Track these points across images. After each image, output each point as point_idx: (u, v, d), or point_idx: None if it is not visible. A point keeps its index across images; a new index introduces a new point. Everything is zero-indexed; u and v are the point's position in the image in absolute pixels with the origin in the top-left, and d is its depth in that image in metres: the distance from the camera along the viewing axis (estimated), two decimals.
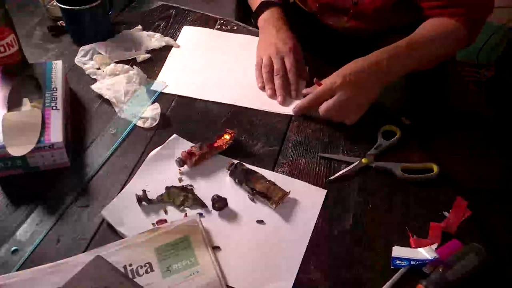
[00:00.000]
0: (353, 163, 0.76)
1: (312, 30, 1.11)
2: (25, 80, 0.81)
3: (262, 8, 0.97)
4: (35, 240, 0.64)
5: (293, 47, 0.89)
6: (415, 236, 0.66)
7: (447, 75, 1.10)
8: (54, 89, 0.78)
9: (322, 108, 0.80)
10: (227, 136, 0.77)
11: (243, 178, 0.71)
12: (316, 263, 0.63)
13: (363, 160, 0.76)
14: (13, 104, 0.75)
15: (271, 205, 0.69)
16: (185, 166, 0.74)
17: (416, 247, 0.64)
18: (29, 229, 0.66)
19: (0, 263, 0.62)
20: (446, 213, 0.69)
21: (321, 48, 1.03)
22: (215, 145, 0.76)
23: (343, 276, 0.62)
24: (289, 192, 0.70)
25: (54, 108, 0.75)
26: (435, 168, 0.73)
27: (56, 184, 0.71)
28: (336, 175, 0.74)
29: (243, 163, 0.73)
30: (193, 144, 0.76)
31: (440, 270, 0.60)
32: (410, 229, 0.67)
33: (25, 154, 0.67)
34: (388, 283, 0.61)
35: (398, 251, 0.64)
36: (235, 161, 0.74)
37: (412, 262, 0.62)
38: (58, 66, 0.83)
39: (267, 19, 0.95)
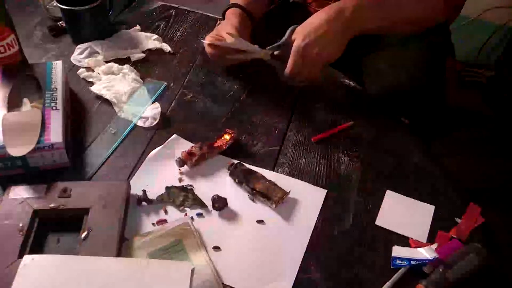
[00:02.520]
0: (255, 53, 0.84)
1: None
2: (25, 80, 0.81)
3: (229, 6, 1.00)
4: None
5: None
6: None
7: (445, 74, 1.09)
8: (54, 89, 0.78)
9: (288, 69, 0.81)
10: (227, 136, 0.77)
11: (243, 178, 0.71)
12: (316, 263, 0.63)
13: (261, 54, 0.84)
14: (13, 104, 0.75)
15: (271, 205, 0.69)
16: (185, 166, 0.74)
17: (416, 247, 0.64)
18: None
19: None
20: (458, 219, 0.68)
21: None
22: (215, 145, 0.76)
23: (343, 276, 0.62)
24: (289, 192, 0.70)
25: (54, 108, 0.75)
26: None
27: None
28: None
29: (243, 163, 0.73)
30: (193, 144, 0.76)
31: (440, 270, 0.60)
32: None
33: (25, 154, 0.67)
34: (388, 283, 0.61)
35: (398, 251, 0.64)
36: (235, 161, 0.74)
37: (412, 262, 0.62)
38: (58, 66, 0.83)
39: (227, 14, 0.98)
